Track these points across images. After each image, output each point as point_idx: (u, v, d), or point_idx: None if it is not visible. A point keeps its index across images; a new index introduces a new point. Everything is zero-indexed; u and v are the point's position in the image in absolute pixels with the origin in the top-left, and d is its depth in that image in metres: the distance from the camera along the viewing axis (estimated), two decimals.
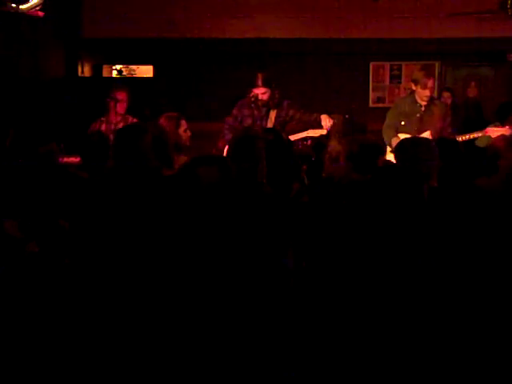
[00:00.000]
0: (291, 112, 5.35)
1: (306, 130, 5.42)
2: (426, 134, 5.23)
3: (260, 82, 5.23)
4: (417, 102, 5.35)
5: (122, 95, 5.47)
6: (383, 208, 2.50)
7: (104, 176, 3.24)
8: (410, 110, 5.37)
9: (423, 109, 5.33)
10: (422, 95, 5.28)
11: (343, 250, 2.56)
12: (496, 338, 2.45)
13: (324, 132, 5.37)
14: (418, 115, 5.33)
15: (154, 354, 1.98)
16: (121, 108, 5.45)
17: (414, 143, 3.38)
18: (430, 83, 5.25)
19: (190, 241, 2.11)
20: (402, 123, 5.38)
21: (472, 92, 7.84)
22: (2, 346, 2.24)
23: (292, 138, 5.27)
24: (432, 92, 5.34)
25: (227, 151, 3.35)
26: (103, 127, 5.43)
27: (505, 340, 2.44)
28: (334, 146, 3.87)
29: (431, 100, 5.36)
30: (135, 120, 5.45)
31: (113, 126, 5.38)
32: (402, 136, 5.23)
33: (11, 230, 2.59)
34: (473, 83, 7.89)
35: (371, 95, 8.65)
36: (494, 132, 5.18)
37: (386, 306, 2.37)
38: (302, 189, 3.54)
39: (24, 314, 2.32)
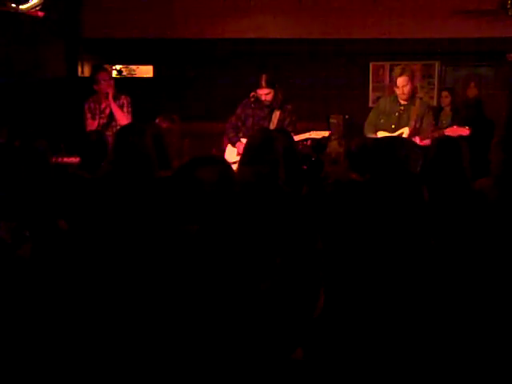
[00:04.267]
0: (291, 119, 5.37)
1: (309, 131, 5.44)
2: (403, 132, 5.27)
3: (264, 83, 5.26)
4: (398, 101, 5.41)
5: (101, 75, 5.64)
6: (383, 209, 2.50)
7: (105, 176, 3.22)
8: (390, 109, 5.44)
9: (402, 108, 5.38)
10: (398, 93, 5.36)
11: (345, 251, 2.56)
12: (496, 338, 2.45)
13: (326, 134, 5.42)
14: (396, 114, 5.40)
15: (153, 359, 1.97)
16: (99, 88, 5.60)
17: (393, 143, 3.36)
18: (399, 81, 5.29)
19: (192, 244, 2.10)
20: (381, 121, 5.44)
21: (472, 92, 7.81)
22: None
23: (295, 138, 5.28)
24: (407, 90, 5.32)
25: (242, 154, 3.30)
26: (92, 106, 5.65)
27: (505, 340, 2.45)
28: (333, 146, 3.88)
29: (412, 99, 5.39)
30: (123, 98, 5.62)
31: (99, 108, 5.63)
32: (380, 133, 5.30)
33: (2, 233, 2.50)
34: (473, 83, 7.87)
35: (371, 95, 8.63)
36: (454, 132, 5.12)
37: (388, 305, 2.37)
38: (311, 189, 3.52)
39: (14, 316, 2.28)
